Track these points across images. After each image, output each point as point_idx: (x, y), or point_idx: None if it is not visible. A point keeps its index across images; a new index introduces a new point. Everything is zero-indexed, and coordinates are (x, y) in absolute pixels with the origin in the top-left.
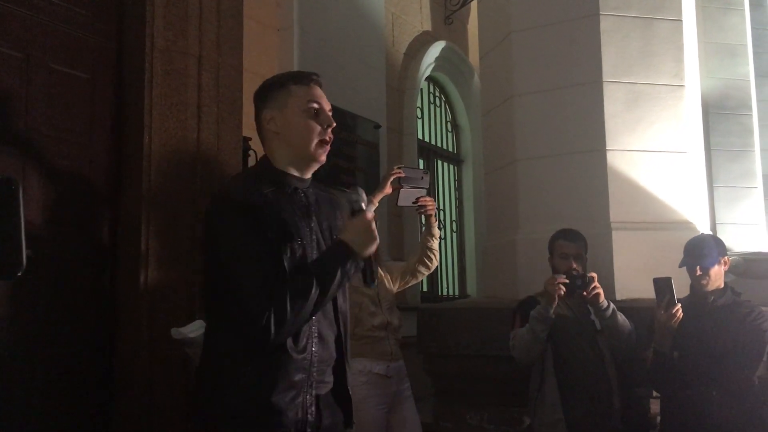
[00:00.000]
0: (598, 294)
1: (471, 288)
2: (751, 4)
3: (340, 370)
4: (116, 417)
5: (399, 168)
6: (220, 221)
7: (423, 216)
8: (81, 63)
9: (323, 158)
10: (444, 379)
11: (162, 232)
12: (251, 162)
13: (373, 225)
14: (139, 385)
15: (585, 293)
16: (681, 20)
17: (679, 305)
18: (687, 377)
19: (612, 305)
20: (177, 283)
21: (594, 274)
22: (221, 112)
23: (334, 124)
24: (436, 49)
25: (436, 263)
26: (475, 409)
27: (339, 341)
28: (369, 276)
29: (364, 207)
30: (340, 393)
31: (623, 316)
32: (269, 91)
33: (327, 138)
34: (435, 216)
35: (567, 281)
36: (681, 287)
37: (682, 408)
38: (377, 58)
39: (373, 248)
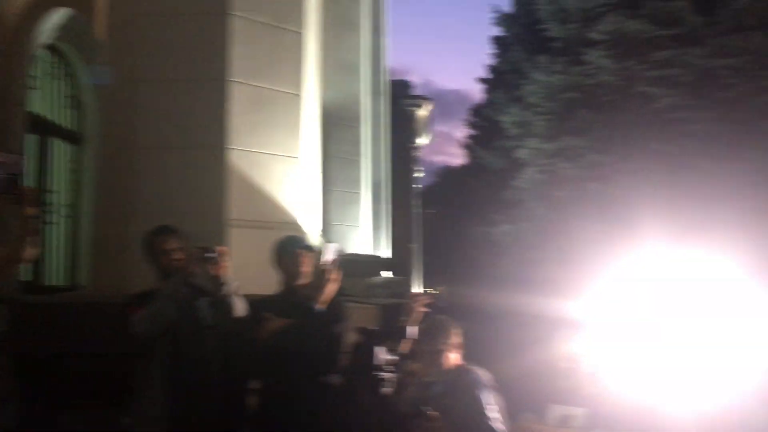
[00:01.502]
0: (225, 267)
1: (86, 278)
2: (371, 28)
3: None
4: None
5: None
6: None
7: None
8: None
9: None
10: (33, 379)
11: None
12: None
13: None
14: None
15: (215, 266)
16: (301, 32)
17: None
18: (287, 364)
19: (235, 285)
20: None
21: (225, 248)
22: None
23: None
24: (58, 16)
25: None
26: (67, 410)
27: None
28: None
29: None
30: None
31: (243, 301)
32: None
33: None
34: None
35: (214, 255)
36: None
37: (278, 394)
38: None
39: None
